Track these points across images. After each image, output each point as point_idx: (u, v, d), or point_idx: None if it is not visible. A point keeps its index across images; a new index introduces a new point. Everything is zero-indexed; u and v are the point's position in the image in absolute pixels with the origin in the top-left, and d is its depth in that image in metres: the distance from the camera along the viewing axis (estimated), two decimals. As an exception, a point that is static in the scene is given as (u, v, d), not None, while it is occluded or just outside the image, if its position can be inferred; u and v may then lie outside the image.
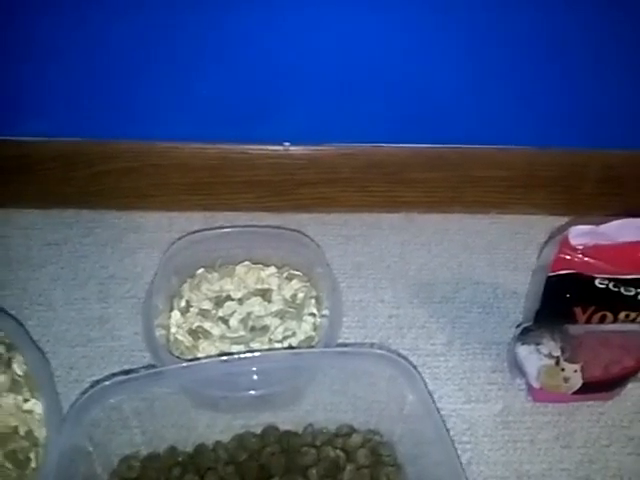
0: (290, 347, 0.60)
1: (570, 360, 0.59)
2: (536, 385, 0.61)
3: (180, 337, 0.60)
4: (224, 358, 0.53)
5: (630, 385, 0.63)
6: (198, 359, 0.58)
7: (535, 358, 0.60)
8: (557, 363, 0.59)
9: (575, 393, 0.61)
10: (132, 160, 0.75)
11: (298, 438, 0.56)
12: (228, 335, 0.61)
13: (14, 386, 0.54)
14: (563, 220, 0.77)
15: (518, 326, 0.60)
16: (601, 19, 0.65)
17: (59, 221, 0.77)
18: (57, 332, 0.66)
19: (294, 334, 0.61)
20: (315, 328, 0.62)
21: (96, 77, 0.69)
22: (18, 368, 0.55)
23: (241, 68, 0.68)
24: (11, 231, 0.75)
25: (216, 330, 0.61)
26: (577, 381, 0.60)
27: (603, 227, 0.53)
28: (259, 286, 0.66)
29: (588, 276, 0.53)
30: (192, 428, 0.56)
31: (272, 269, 0.67)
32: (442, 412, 0.61)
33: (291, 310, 0.63)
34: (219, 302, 0.64)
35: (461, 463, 0.50)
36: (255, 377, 0.53)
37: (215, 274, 0.66)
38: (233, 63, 0.68)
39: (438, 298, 0.72)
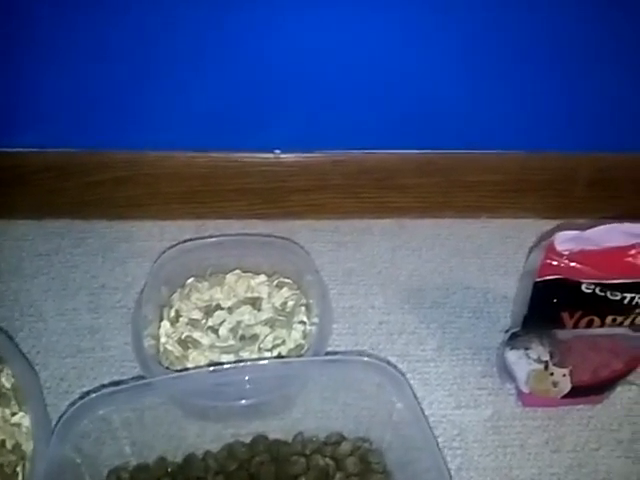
0: (280, 356, 0.60)
1: (559, 364, 0.59)
2: (525, 390, 0.61)
3: (170, 347, 0.60)
4: (213, 368, 0.54)
5: (619, 388, 0.63)
6: (187, 369, 0.59)
7: (524, 363, 0.60)
8: (546, 368, 0.59)
9: (564, 397, 0.61)
10: (124, 170, 0.75)
11: (287, 447, 0.56)
12: (217, 344, 0.61)
13: (2, 399, 0.54)
14: (554, 223, 0.78)
15: (507, 331, 0.61)
16: (589, 24, 0.65)
17: (51, 231, 0.77)
18: (48, 343, 0.66)
19: (284, 342, 0.61)
20: (305, 336, 0.62)
21: (88, 88, 0.69)
22: (6, 381, 0.55)
23: (231, 77, 0.69)
24: (3, 242, 0.76)
25: (206, 340, 0.61)
26: (566, 385, 0.60)
27: (589, 232, 0.53)
28: (249, 294, 0.66)
29: (574, 281, 0.53)
30: (182, 438, 0.56)
31: (262, 277, 0.67)
32: (432, 418, 0.62)
33: (281, 318, 0.63)
34: (209, 311, 0.64)
35: (449, 469, 0.50)
36: (244, 387, 0.54)
37: (205, 283, 0.67)
38: (223, 72, 0.68)
39: (429, 303, 0.72)
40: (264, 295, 0.66)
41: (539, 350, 0.59)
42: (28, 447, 0.51)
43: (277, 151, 0.75)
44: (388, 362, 0.65)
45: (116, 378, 0.63)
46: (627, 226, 0.53)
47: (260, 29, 0.65)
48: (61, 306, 0.70)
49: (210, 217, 0.79)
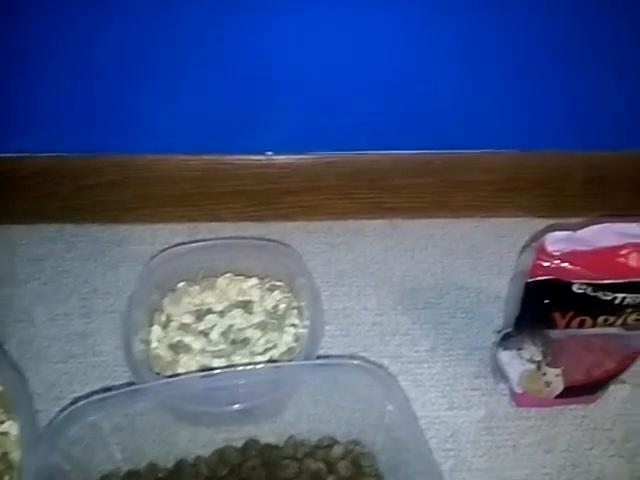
0: (271, 359, 0.60)
1: (551, 364, 0.59)
2: (518, 390, 0.61)
3: (161, 352, 0.60)
4: (204, 373, 0.54)
5: (612, 388, 0.63)
6: (178, 375, 0.58)
7: (517, 363, 0.60)
8: (538, 368, 0.59)
9: (558, 397, 0.61)
10: (115, 173, 0.75)
11: (279, 451, 0.56)
12: (209, 349, 0.61)
13: (-11, 408, 0.54)
14: (548, 222, 0.77)
15: (499, 332, 0.60)
16: (581, 23, 0.65)
17: (43, 236, 0.77)
18: (39, 349, 0.66)
19: (275, 346, 0.61)
20: (297, 339, 0.62)
21: (78, 92, 0.69)
22: (-7, 390, 0.55)
23: (222, 79, 0.68)
24: (-5, 247, 0.76)
25: (197, 344, 0.61)
26: (559, 385, 0.60)
27: (580, 233, 0.53)
28: (240, 298, 0.66)
29: (566, 282, 0.53)
30: (173, 443, 0.56)
31: (254, 280, 0.67)
32: (426, 419, 0.62)
33: (273, 321, 0.63)
34: (200, 315, 0.64)
35: (440, 471, 0.50)
36: (236, 391, 0.54)
37: (196, 287, 0.66)
38: (214, 75, 0.68)
39: (422, 304, 0.72)
40: (256, 298, 0.66)
41: (532, 350, 0.59)
42: (16, 456, 0.51)
43: (269, 153, 0.75)
44: (381, 364, 0.65)
45: (108, 383, 0.63)
46: (618, 226, 0.52)
47: (251, 31, 0.65)
48: (53, 311, 0.69)
49: (203, 220, 0.78)
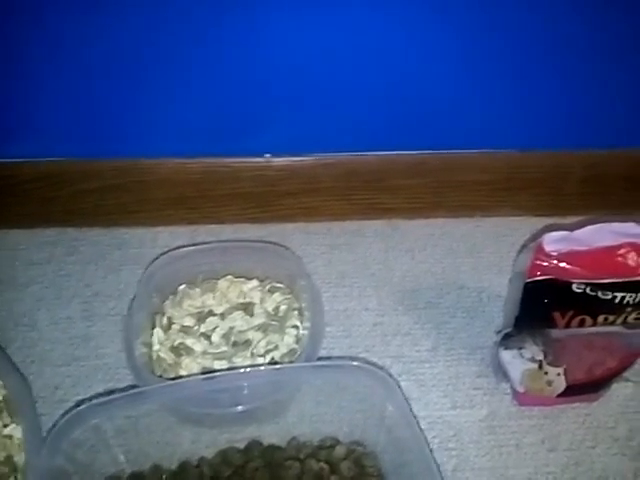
0: (273, 361, 0.60)
1: (553, 363, 0.59)
2: (520, 389, 0.61)
3: (162, 355, 0.60)
4: (206, 376, 0.54)
5: (614, 386, 0.63)
6: (180, 377, 0.59)
7: (518, 362, 0.60)
8: (540, 367, 0.59)
9: (560, 396, 0.61)
10: (115, 177, 0.75)
11: (282, 452, 0.56)
12: (210, 351, 0.61)
13: (-6, 411, 0.54)
14: (548, 221, 0.77)
15: (499, 332, 0.60)
16: (579, 23, 0.65)
17: (44, 240, 0.77)
18: (42, 352, 0.66)
19: (276, 347, 0.61)
20: (298, 341, 0.62)
21: (78, 97, 0.69)
22: (-2, 393, 0.55)
23: (220, 82, 0.69)
24: (-3, 252, 0.76)
25: (198, 346, 0.61)
26: (561, 384, 0.60)
27: (578, 233, 0.53)
28: (241, 300, 0.66)
29: (565, 281, 0.53)
30: (177, 444, 0.56)
31: (254, 282, 0.67)
32: (428, 419, 0.62)
33: (273, 323, 0.63)
34: (201, 318, 0.64)
35: (440, 471, 0.50)
36: (238, 393, 0.54)
37: (197, 289, 0.67)
38: (212, 78, 0.68)
39: (423, 304, 0.72)
40: (256, 300, 0.66)
41: (533, 349, 0.59)
42: (20, 459, 0.51)
43: (267, 155, 0.75)
44: (383, 364, 0.65)
45: (111, 386, 0.63)
46: (615, 226, 0.53)
47: (249, 34, 0.65)
48: (55, 315, 0.70)
49: (202, 222, 0.79)
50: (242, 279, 0.68)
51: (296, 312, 0.65)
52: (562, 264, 0.52)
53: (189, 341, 0.61)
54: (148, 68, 0.67)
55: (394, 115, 0.72)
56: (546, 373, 0.60)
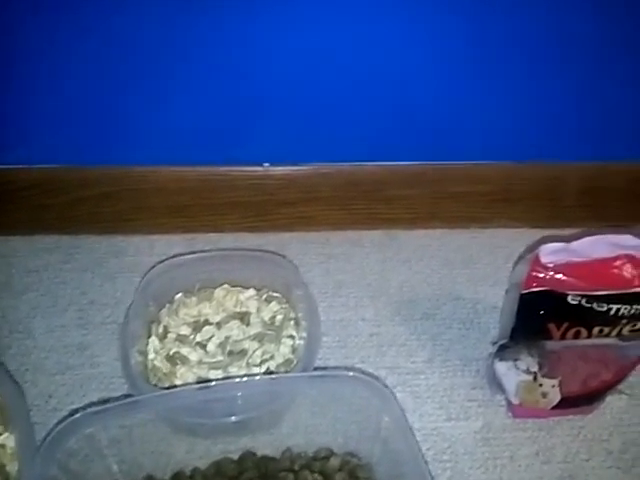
0: (268, 371, 0.60)
1: (548, 375, 0.59)
2: (515, 401, 0.61)
3: (158, 364, 0.60)
4: (201, 385, 0.54)
5: (609, 398, 0.63)
6: (176, 386, 0.58)
7: (513, 374, 0.60)
8: (535, 379, 0.59)
9: (554, 408, 0.61)
10: (112, 185, 0.75)
11: (276, 463, 0.56)
12: (206, 360, 0.61)
13: (-14, 420, 0.54)
14: (544, 233, 0.77)
15: (494, 343, 0.61)
16: (572, 37, 0.66)
17: (40, 247, 0.77)
18: (36, 360, 0.66)
19: (272, 357, 0.61)
20: (294, 351, 0.62)
21: (73, 104, 0.69)
22: (-9, 401, 0.54)
23: (218, 91, 0.69)
24: (-8, 259, 0.76)
25: (194, 355, 0.61)
26: (555, 396, 0.60)
27: (574, 244, 0.54)
28: (238, 309, 0.66)
29: (560, 293, 0.53)
30: (171, 455, 0.56)
31: (251, 291, 0.67)
32: (423, 430, 0.62)
33: (270, 333, 0.63)
34: (197, 327, 0.64)
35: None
36: (233, 403, 0.54)
37: (193, 298, 0.66)
38: (210, 86, 0.69)
39: (419, 315, 0.72)
40: (253, 309, 0.66)
41: (528, 361, 0.59)
42: (13, 468, 0.51)
43: (266, 164, 0.75)
44: (378, 375, 0.65)
45: (105, 395, 0.63)
46: (612, 237, 0.53)
47: (247, 43, 0.65)
48: (50, 323, 0.69)
49: (200, 231, 0.79)
50: (239, 288, 0.68)
51: (292, 322, 0.65)
52: (558, 275, 0.52)
53: (185, 350, 0.61)
54: (145, 76, 0.67)
55: (393, 126, 0.73)
56: (541, 385, 0.60)
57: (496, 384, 0.62)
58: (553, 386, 0.59)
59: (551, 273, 0.53)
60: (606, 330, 0.54)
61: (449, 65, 0.68)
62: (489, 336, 0.69)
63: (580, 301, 0.53)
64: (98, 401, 0.62)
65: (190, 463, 0.56)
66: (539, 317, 0.55)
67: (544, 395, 0.60)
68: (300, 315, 0.64)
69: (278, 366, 0.61)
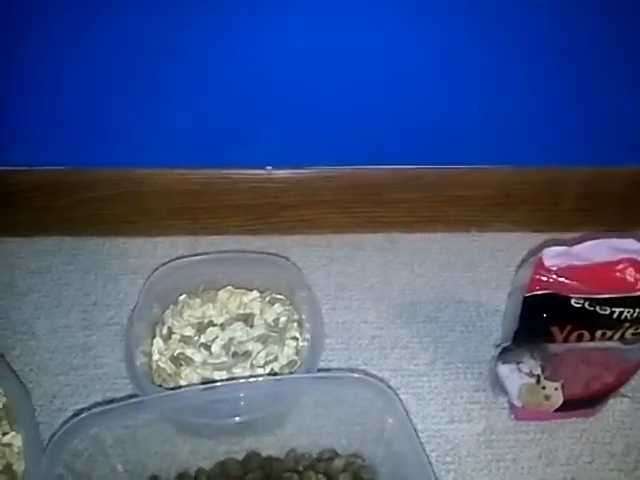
0: (272, 372, 0.60)
1: (550, 378, 0.59)
2: (518, 404, 0.62)
3: (162, 364, 0.60)
4: (205, 386, 0.54)
5: (611, 401, 0.63)
6: (180, 387, 0.58)
7: (516, 377, 0.61)
8: (538, 381, 0.60)
9: (557, 410, 0.61)
10: (114, 187, 0.75)
11: (280, 463, 0.56)
12: (210, 361, 0.61)
13: (-7, 419, 0.54)
14: (544, 237, 0.78)
15: (497, 346, 0.61)
16: (571, 42, 0.66)
17: (42, 249, 0.77)
18: (40, 361, 0.66)
19: (276, 359, 0.61)
20: (297, 352, 0.62)
21: (75, 106, 0.69)
22: (-2, 401, 0.55)
23: (221, 94, 0.69)
24: (-5, 260, 0.76)
25: (198, 356, 0.61)
26: (558, 399, 0.60)
27: (577, 248, 0.54)
28: (241, 311, 0.66)
29: (564, 296, 0.53)
30: (175, 455, 0.56)
31: (255, 293, 0.67)
32: (426, 432, 0.62)
33: (273, 334, 0.63)
34: (201, 328, 0.64)
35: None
36: (237, 404, 0.54)
37: (197, 300, 0.67)
38: (212, 89, 0.69)
39: (421, 318, 0.72)
40: (256, 311, 0.66)
41: (531, 364, 0.59)
42: (19, 467, 0.51)
43: (268, 167, 0.76)
44: (381, 377, 0.66)
45: (109, 395, 0.63)
46: (614, 241, 0.53)
47: (251, 45, 0.66)
48: (53, 324, 0.70)
49: (203, 233, 0.79)
50: (242, 290, 0.68)
51: (296, 323, 0.65)
52: (561, 279, 0.53)
53: (189, 351, 0.61)
54: (146, 77, 0.67)
55: (393, 129, 0.73)
56: (544, 388, 0.60)
57: (499, 387, 0.63)
58: (556, 389, 0.60)
59: (554, 276, 0.53)
60: (609, 333, 0.55)
61: (449, 69, 0.68)
62: (492, 339, 0.69)
63: (583, 304, 0.53)
64: (102, 401, 0.62)
65: (194, 463, 0.56)
66: (542, 320, 0.55)
67: (547, 398, 0.60)
68: (304, 317, 0.64)
69: (282, 367, 0.61)
